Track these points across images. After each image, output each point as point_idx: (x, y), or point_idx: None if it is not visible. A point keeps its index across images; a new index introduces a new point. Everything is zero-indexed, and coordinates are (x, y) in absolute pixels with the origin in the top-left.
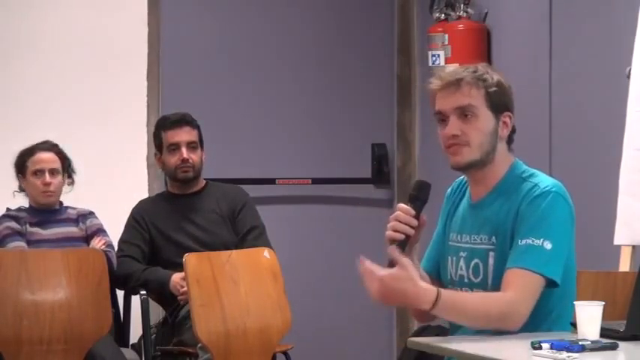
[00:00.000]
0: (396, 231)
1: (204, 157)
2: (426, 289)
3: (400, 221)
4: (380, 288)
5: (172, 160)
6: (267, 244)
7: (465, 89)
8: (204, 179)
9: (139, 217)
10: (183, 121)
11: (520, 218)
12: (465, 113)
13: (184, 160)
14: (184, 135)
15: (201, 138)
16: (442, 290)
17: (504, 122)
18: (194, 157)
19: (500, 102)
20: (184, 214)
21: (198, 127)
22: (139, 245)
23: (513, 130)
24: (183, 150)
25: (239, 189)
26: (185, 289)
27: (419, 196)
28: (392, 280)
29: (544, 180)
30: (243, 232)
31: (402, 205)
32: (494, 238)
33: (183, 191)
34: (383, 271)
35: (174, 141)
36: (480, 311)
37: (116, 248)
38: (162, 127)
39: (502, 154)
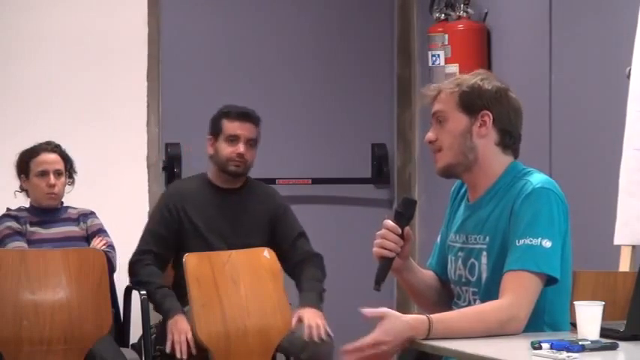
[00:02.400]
0: (384, 248)
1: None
2: (416, 319)
3: (389, 239)
4: (382, 350)
5: (228, 150)
6: (311, 247)
7: (441, 97)
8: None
9: (171, 205)
10: (248, 116)
11: (514, 217)
12: (438, 119)
13: (240, 155)
14: (247, 130)
15: (258, 138)
16: (432, 316)
17: (483, 121)
18: (249, 154)
19: (473, 102)
20: (222, 211)
21: (258, 127)
22: (166, 239)
23: (509, 135)
24: (241, 145)
25: (277, 194)
26: (175, 343)
27: (404, 214)
28: (386, 336)
29: (536, 177)
30: (292, 238)
31: (390, 223)
32: (488, 237)
33: (225, 184)
34: (371, 336)
35: (236, 133)
36: (476, 325)
37: (142, 232)
38: (226, 116)
39: (490, 154)
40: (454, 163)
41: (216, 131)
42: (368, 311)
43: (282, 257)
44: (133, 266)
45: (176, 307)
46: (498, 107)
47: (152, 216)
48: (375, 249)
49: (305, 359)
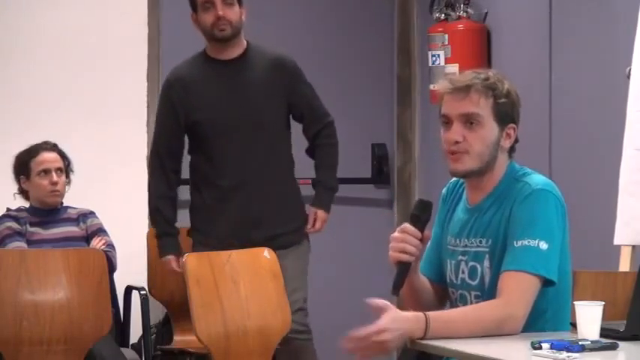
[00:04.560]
0: (404, 252)
1: (245, 14)
2: (414, 315)
3: (411, 244)
4: (384, 339)
5: (206, 17)
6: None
7: (474, 97)
8: (246, 40)
9: (173, 95)
10: None
11: (513, 218)
12: (470, 121)
13: (219, 18)
14: None
15: None
16: (430, 313)
17: (508, 134)
18: (230, 13)
19: (507, 114)
20: (225, 83)
21: None
22: (175, 131)
23: (516, 141)
24: (218, 6)
25: (286, 59)
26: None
27: (421, 217)
28: (392, 323)
29: (535, 179)
30: (307, 107)
31: (410, 228)
32: (490, 240)
33: (223, 55)
34: (376, 324)
35: None
36: (473, 324)
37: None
38: None
39: (500, 163)
40: (476, 170)
41: (193, 4)
42: (373, 301)
43: (299, 121)
44: (150, 170)
45: (168, 249)
46: (518, 120)
47: (157, 110)
48: (393, 253)
49: (285, 350)
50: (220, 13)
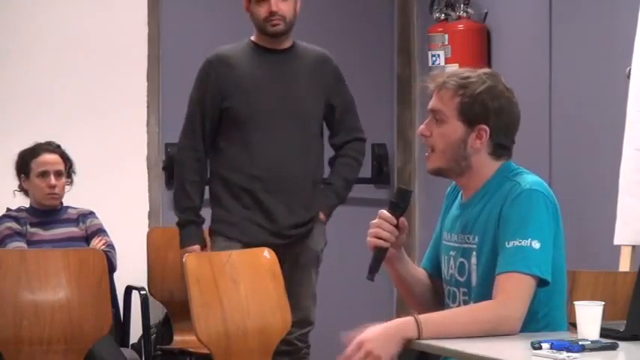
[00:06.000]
0: (379, 238)
1: (299, 7)
2: (402, 319)
3: (384, 229)
4: (368, 350)
5: (260, 10)
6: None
7: (442, 94)
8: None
9: (211, 72)
10: None
11: (503, 218)
12: (436, 117)
13: (273, 13)
14: None
15: None
16: (421, 316)
17: (479, 134)
18: (284, 7)
19: (474, 114)
20: (268, 70)
21: None
22: (207, 115)
23: (502, 147)
24: (273, 1)
25: (329, 58)
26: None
27: (399, 204)
28: (367, 334)
29: (526, 178)
30: (342, 111)
31: (385, 214)
32: (477, 237)
33: (271, 44)
34: (348, 349)
35: None
36: (469, 324)
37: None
38: None
39: (482, 163)
40: (445, 168)
41: None
42: (346, 337)
43: (330, 127)
44: (182, 153)
45: (193, 239)
46: (497, 123)
47: (192, 89)
48: (369, 239)
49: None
50: (274, 8)
